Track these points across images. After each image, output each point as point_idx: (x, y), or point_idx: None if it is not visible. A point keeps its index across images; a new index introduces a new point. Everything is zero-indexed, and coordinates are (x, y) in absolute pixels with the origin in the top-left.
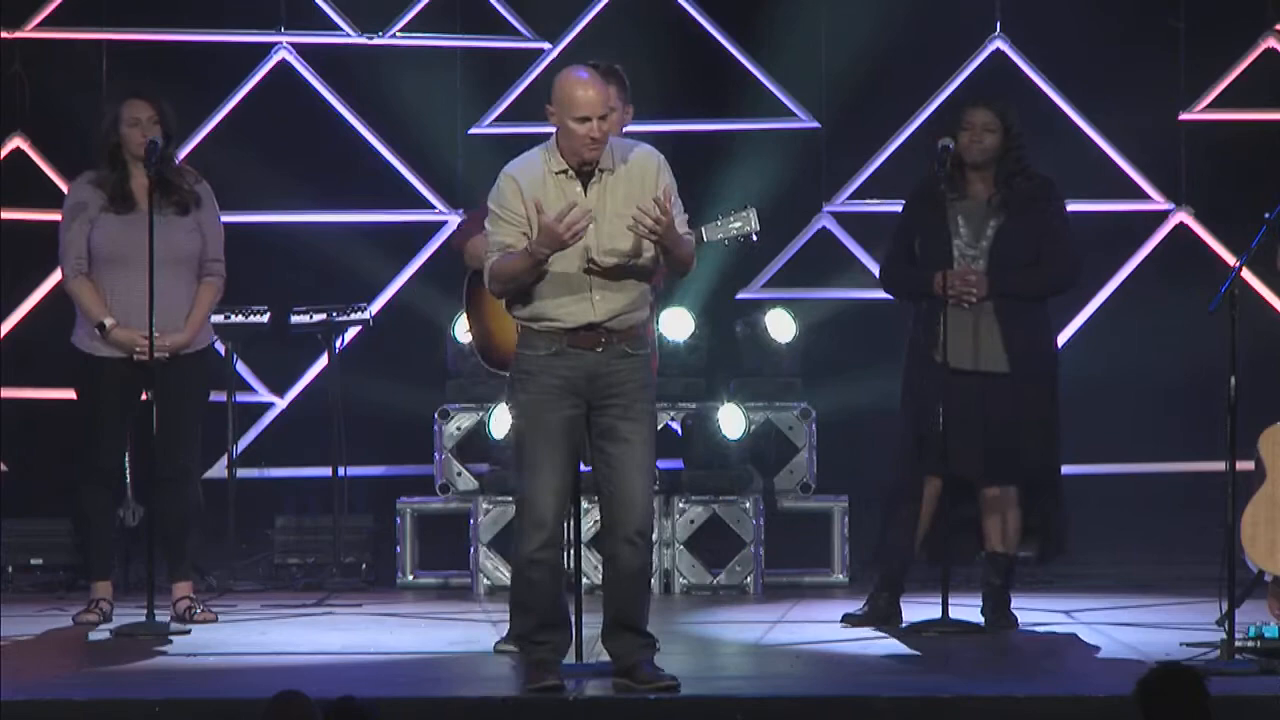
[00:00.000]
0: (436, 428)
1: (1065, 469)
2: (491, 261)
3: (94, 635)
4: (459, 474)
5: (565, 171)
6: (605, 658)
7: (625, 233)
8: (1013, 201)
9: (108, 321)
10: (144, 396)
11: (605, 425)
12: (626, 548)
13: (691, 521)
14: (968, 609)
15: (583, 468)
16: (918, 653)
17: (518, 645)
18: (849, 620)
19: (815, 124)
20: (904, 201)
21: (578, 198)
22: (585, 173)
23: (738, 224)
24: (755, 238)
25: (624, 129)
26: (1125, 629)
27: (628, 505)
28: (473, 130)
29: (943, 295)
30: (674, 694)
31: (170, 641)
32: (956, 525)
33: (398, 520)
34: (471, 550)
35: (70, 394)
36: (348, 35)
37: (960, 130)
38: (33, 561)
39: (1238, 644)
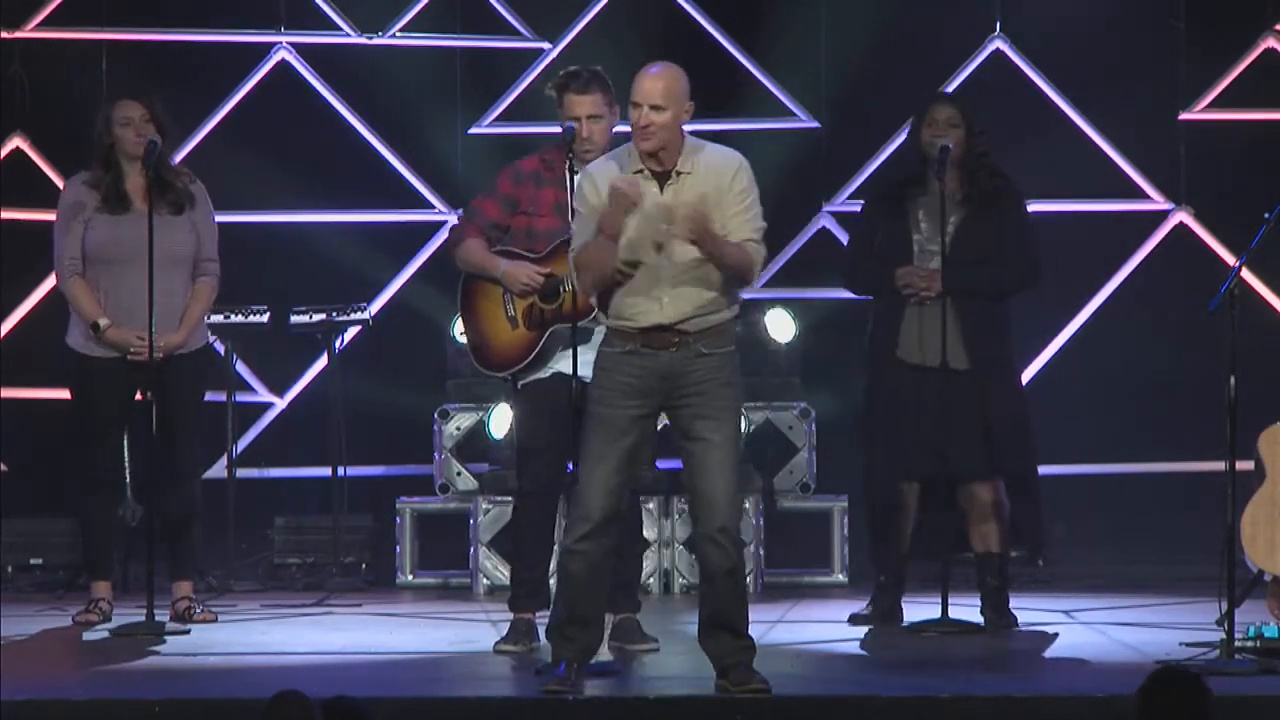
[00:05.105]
0: (436, 428)
1: (1068, 469)
2: (572, 256)
3: (94, 635)
4: (459, 474)
5: (642, 171)
6: (606, 657)
7: None
8: (975, 198)
9: (102, 322)
10: (139, 396)
11: (683, 424)
12: (710, 546)
13: None
14: (968, 609)
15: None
16: (918, 653)
17: (548, 637)
18: (855, 620)
19: (815, 124)
20: (864, 199)
21: (654, 198)
22: (661, 174)
23: None
24: None
25: (613, 131)
26: (1125, 629)
27: (707, 504)
28: (473, 130)
29: (899, 290)
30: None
31: (170, 641)
32: (938, 522)
33: (397, 520)
34: (471, 550)
35: (68, 394)
36: (348, 35)
37: (923, 127)
38: (33, 561)
39: (1237, 644)
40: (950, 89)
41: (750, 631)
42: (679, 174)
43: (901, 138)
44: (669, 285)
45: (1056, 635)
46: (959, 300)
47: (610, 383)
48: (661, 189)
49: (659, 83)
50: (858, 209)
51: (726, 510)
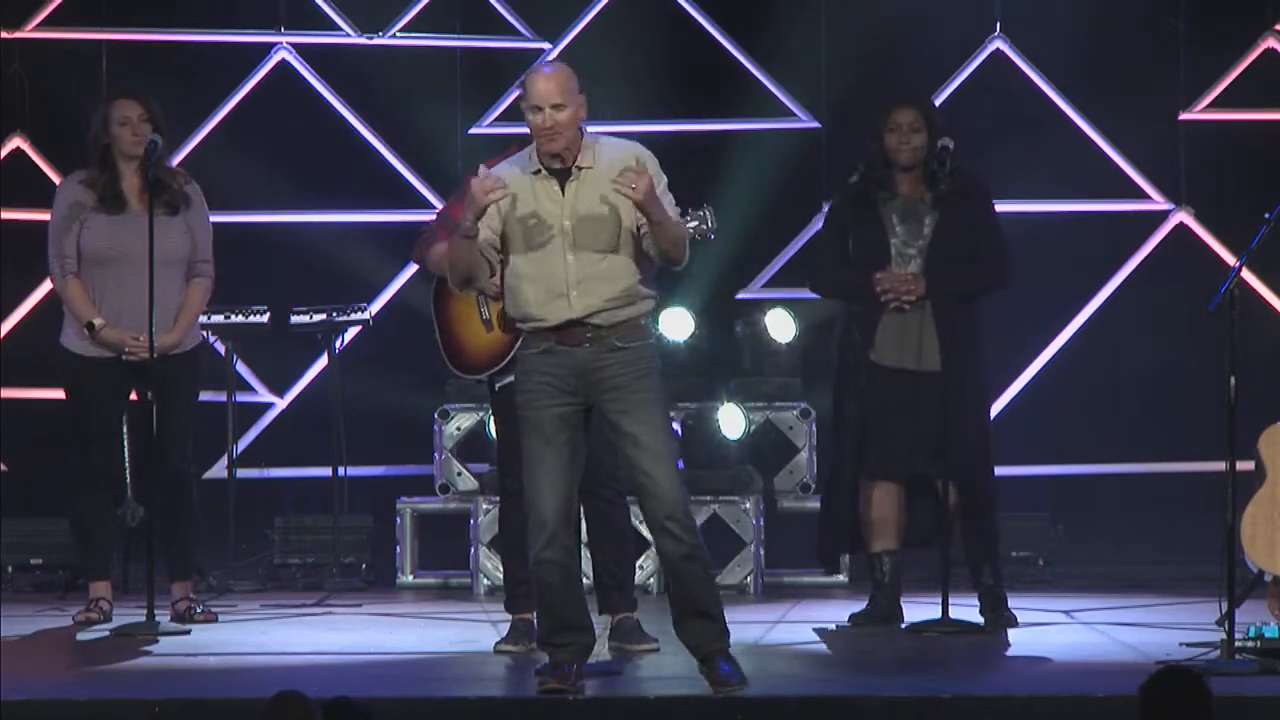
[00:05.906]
0: (436, 428)
1: (1068, 469)
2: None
3: (93, 635)
4: (459, 474)
5: (540, 172)
6: (605, 657)
7: (601, 229)
8: (945, 198)
9: (97, 321)
10: (133, 396)
11: (609, 420)
12: (662, 537)
13: None
14: (968, 609)
15: None
16: (917, 653)
17: (542, 649)
18: (855, 621)
19: (815, 124)
20: (830, 205)
21: (554, 197)
22: (562, 172)
23: (693, 223)
24: (712, 235)
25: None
26: (1125, 629)
27: (650, 495)
28: (473, 130)
29: (880, 298)
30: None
31: (170, 642)
32: (920, 513)
33: (398, 520)
34: (471, 550)
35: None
36: (348, 35)
37: (886, 131)
38: (33, 561)
39: (1238, 644)
40: (949, 89)
41: (749, 632)
42: (579, 169)
43: None
44: (576, 282)
45: (1056, 635)
46: (937, 302)
47: (531, 384)
48: (562, 187)
49: (554, 82)
50: None
51: (669, 497)
